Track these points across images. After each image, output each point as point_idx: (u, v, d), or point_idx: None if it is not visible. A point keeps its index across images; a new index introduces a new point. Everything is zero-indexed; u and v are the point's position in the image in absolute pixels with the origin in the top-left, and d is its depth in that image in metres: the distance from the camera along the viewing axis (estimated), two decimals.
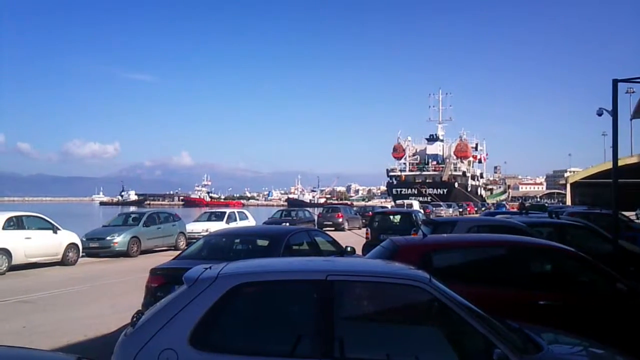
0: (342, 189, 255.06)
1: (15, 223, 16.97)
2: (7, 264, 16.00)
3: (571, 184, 51.03)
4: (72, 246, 18.46)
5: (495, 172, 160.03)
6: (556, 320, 5.39)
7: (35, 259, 17.19)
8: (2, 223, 16.38)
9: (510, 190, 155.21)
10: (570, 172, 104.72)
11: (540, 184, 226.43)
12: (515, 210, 35.59)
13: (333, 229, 34.62)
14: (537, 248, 6.94)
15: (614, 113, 10.97)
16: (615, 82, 10.88)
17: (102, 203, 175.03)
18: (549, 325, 4.96)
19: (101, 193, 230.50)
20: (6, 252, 16.03)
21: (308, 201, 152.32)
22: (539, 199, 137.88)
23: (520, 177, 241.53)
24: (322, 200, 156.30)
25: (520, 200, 74.70)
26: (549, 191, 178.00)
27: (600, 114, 14.99)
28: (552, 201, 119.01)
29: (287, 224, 29.31)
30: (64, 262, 17.98)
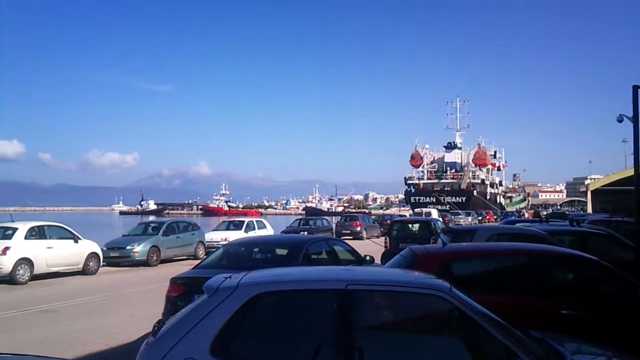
0: (360, 197, 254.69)
1: (37, 233, 17.17)
2: (29, 274, 16.18)
3: (592, 192, 50.43)
4: (92, 255, 18.62)
5: (515, 180, 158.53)
6: (579, 330, 5.33)
7: (56, 268, 17.36)
8: (24, 233, 16.59)
9: (529, 198, 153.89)
10: (590, 179, 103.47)
11: (560, 191, 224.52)
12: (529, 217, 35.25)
13: (351, 237, 34.49)
14: (559, 256, 6.86)
15: (635, 119, 10.85)
16: (635, 88, 10.77)
17: (121, 212, 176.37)
18: (572, 335, 4.91)
19: (121, 202, 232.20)
20: (28, 262, 16.22)
21: (326, 210, 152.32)
22: (559, 207, 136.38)
23: (539, 184, 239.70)
24: (339, 209, 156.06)
25: (534, 208, 73.80)
26: (569, 199, 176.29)
27: (620, 121, 14.85)
28: (573, 209, 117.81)
29: (305, 232, 29.31)
30: (84, 271, 18.13)
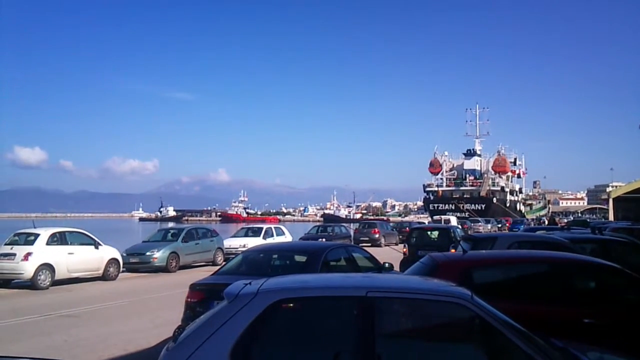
0: (378, 204, 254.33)
1: (59, 239, 17.34)
2: (50, 279, 16.35)
3: (613, 199, 49.59)
4: (113, 261, 18.75)
5: (535, 187, 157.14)
6: (602, 339, 5.25)
7: (77, 273, 17.50)
8: (46, 239, 16.77)
9: (550, 206, 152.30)
10: (612, 186, 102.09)
11: (581, 199, 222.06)
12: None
13: (369, 244, 34.40)
14: (581, 264, 6.77)
15: None
16: None
17: (141, 219, 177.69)
18: (594, 344, 4.84)
19: (140, 209, 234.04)
20: (50, 267, 16.38)
21: (344, 217, 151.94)
22: (580, 214, 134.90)
23: (560, 192, 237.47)
24: (358, 216, 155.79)
25: (552, 216, 72.97)
26: (590, 206, 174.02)
27: None
28: (594, 216, 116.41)
29: (324, 239, 29.27)
30: (105, 277, 18.26)
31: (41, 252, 16.34)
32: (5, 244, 16.89)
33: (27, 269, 15.94)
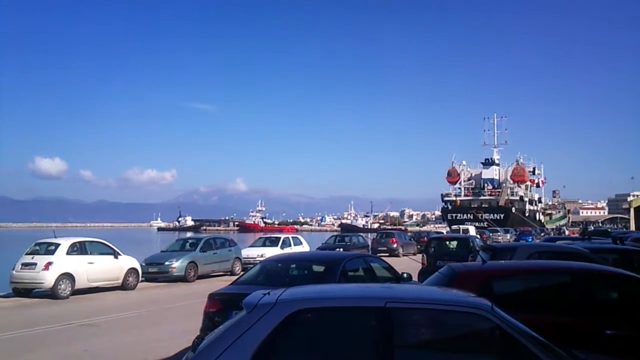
0: (396, 214, 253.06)
1: (79, 248, 17.49)
2: (70, 288, 16.48)
3: (635, 208, 49.03)
4: (132, 271, 18.85)
5: (554, 197, 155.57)
6: (624, 351, 5.19)
7: (97, 283, 17.63)
8: (66, 248, 16.92)
9: (570, 215, 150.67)
10: (633, 195, 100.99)
11: (602, 208, 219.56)
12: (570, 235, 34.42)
13: (387, 254, 34.26)
14: (603, 275, 6.67)
15: None
16: None
17: (159, 229, 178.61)
18: (616, 355, 4.78)
19: (159, 219, 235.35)
20: (70, 277, 16.52)
21: (361, 226, 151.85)
22: (600, 224, 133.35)
23: (580, 201, 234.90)
24: (375, 226, 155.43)
25: (581, 225, 72.10)
26: (611, 216, 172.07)
27: None
28: (615, 226, 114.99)
29: (341, 249, 29.21)
30: (124, 286, 18.36)
31: (61, 262, 16.48)
32: (27, 254, 17.07)
33: (48, 279, 16.09)
